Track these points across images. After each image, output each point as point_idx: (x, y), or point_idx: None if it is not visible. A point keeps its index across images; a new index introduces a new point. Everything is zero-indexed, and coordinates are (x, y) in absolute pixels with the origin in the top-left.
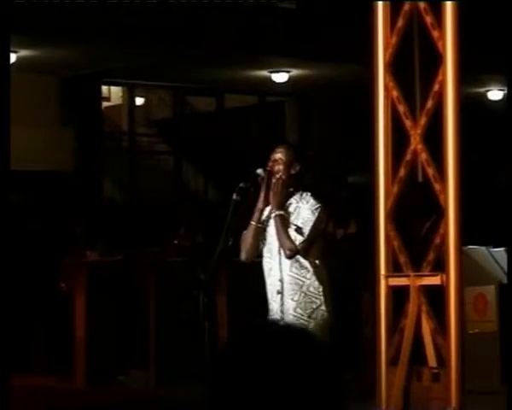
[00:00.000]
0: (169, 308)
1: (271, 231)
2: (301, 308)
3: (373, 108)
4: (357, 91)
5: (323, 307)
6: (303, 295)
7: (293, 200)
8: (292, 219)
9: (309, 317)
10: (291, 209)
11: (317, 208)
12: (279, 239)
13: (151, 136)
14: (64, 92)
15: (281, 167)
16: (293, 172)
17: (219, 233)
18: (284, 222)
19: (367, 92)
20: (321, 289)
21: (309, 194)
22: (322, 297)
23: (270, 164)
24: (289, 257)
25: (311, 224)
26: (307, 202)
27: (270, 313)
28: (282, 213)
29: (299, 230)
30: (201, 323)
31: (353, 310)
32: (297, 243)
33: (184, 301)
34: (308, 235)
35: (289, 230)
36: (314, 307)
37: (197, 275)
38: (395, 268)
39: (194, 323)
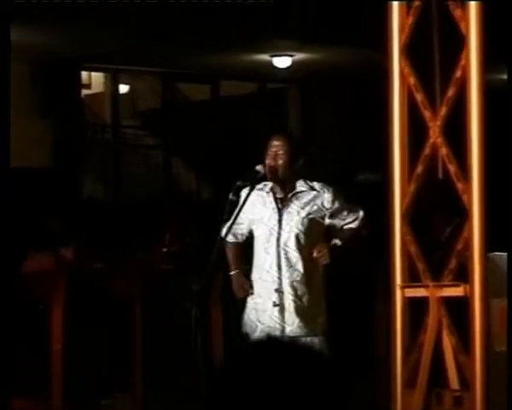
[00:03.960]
0: (157, 323)
1: (271, 222)
2: (300, 321)
3: (387, 97)
4: (368, 78)
5: (324, 320)
6: (302, 306)
7: (300, 188)
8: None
9: (309, 331)
10: (306, 200)
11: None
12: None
13: (138, 128)
14: (39, 81)
15: (281, 162)
16: (295, 165)
17: (214, 237)
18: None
19: (379, 79)
20: (322, 301)
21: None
22: (321, 309)
23: (268, 160)
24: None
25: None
26: (328, 191)
27: (250, 319)
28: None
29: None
30: (194, 339)
31: (364, 325)
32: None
33: (175, 315)
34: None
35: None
36: (313, 319)
37: (189, 285)
38: (412, 277)
39: (186, 339)
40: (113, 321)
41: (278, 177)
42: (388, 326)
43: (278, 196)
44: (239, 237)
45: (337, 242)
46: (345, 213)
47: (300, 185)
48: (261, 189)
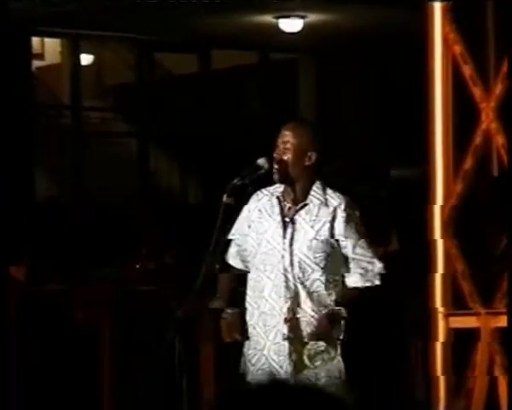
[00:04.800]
0: (130, 359)
1: (274, 240)
2: (311, 359)
3: (426, 71)
4: (400, 46)
5: (339, 358)
6: (302, 349)
7: (312, 198)
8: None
9: (322, 372)
10: (313, 215)
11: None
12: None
13: (105, 110)
14: None
15: (287, 157)
16: (307, 162)
17: (203, 250)
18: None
19: (414, 47)
20: (331, 343)
21: (331, 190)
22: (338, 345)
23: (275, 152)
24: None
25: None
26: (344, 206)
27: (249, 358)
28: None
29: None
30: (178, 380)
31: (398, 362)
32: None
33: (153, 349)
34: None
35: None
36: (326, 358)
37: (171, 311)
38: (457, 303)
39: (168, 380)
40: (76, 355)
41: (285, 175)
42: (429, 365)
43: (287, 204)
44: (240, 255)
45: (339, 310)
46: (358, 251)
47: (315, 193)
48: (272, 193)
